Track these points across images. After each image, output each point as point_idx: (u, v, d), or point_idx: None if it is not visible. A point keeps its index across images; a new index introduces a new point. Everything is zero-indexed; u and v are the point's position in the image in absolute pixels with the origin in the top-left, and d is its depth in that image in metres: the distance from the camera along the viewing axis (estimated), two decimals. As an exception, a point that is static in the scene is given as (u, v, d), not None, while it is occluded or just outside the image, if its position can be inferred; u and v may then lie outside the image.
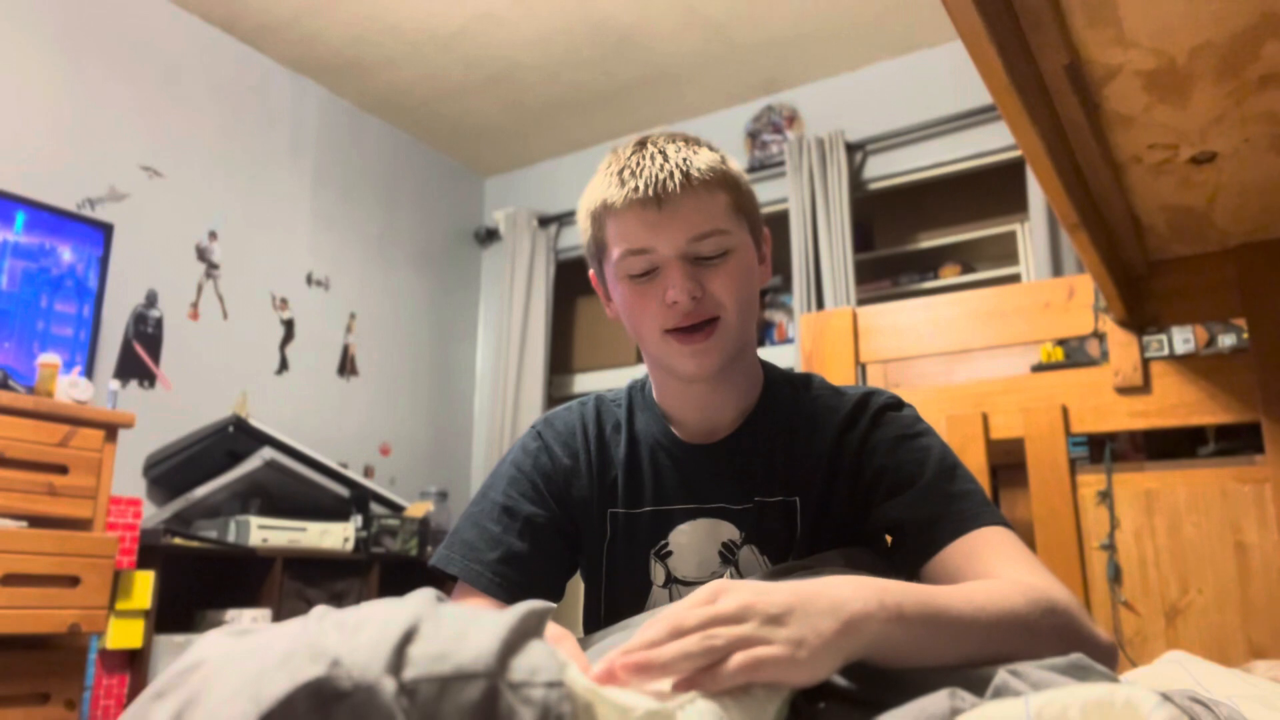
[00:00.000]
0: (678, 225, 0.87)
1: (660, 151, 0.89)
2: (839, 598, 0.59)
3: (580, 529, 0.97)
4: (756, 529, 0.93)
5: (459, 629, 0.46)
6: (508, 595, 0.89)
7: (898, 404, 0.95)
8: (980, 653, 0.63)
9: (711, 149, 0.93)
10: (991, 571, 0.76)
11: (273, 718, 0.40)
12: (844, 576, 0.63)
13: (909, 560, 0.84)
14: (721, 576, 0.92)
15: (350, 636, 0.44)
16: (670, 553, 0.94)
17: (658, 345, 0.91)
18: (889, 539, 0.91)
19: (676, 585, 0.94)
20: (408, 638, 0.44)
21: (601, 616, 0.98)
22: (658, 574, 0.94)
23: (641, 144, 0.92)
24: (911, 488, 0.86)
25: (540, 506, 0.95)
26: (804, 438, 0.94)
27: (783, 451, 0.94)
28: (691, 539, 0.94)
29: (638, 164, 0.89)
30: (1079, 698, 0.48)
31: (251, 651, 0.44)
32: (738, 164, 0.96)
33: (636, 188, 0.87)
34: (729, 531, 0.93)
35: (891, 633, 0.60)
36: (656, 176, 0.87)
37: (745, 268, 0.91)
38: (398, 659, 0.43)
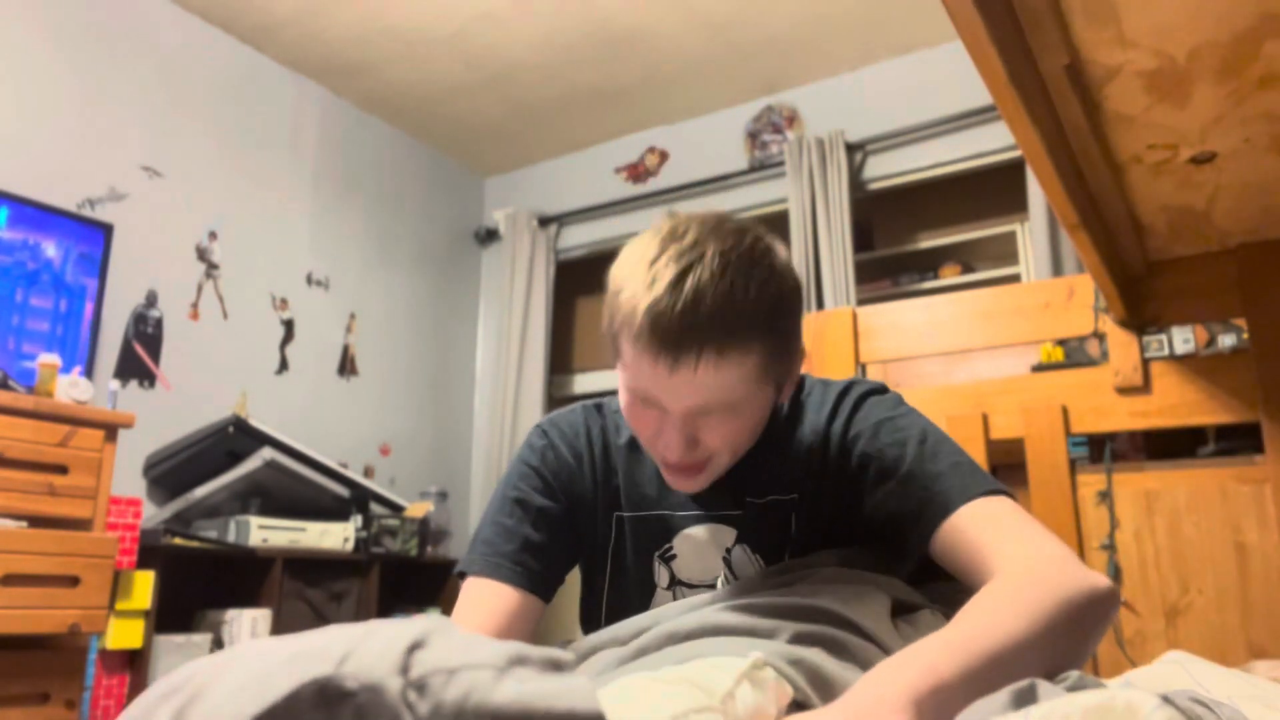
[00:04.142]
0: (686, 391, 0.79)
1: (696, 300, 0.76)
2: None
3: (583, 527, 0.99)
4: (748, 531, 0.94)
5: (469, 642, 0.46)
6: (529, 583, 0.91)
7: (880, 389, 0.96)
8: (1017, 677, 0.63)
9: (767, 281, 0.79)
10: (982, 556, 0.77)
11: (276, 713, 0.40)
12: (870, 684, 0.60)
13: (909, 551, 0.85)
14: (719, 578, 0.93)
15: (359, 643, 0.44)
16: (674, 556, 0.95)
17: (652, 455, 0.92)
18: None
19: (680, 588, 0.94)
20: (416, 645, 0.44)
21: (602, 617, 0.99)
22: (662, 577, 0.95)
23: (684, 274, 0.77)
24: (895, 475, 0.87)
25: (551, 499, 0.97)
26: (798, 437, 0.95)
27: (778, 452, 0.95)
28: (696, 544, 0.94)
29: (667, 309, 0.76)
30: (1079, 705, 0.48)
31: (258, 654, 0.44)
32: (792, 291, 0.83)
33: (655, 340, 0.77)
34: (729, 536, 0.94)
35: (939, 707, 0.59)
36: (679, 335, 0.76)
37: (752, 420, 0.85)
38: (405, 662, 0.42)
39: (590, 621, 1.01)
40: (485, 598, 0.91)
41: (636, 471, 0.98)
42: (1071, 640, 0.69)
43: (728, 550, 0.94)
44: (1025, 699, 0.55)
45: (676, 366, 0.77)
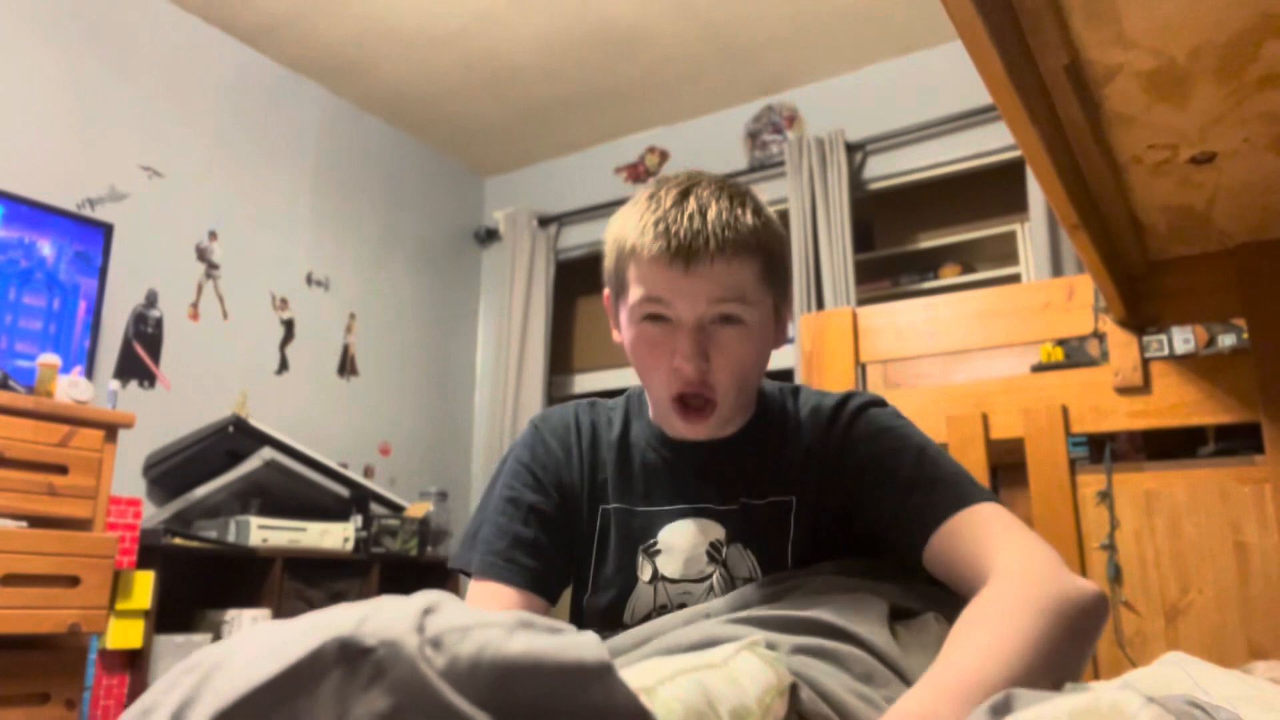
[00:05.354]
0: (700, 289, 0.85)
1: (701, 212, 0.86)
2: None
3: (572, 521, 1.00)
4: (743, 529, 0.94)
5: (477, 610, 0.48)
6: (523, 580, 0.93)
7: (878, 402, 0.98)
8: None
9: (758, 209, 0.90)
10: (974, 561, 0.78)
11: (300, 669, 0.41)
12: None
13: (903, 557, 0.87)
14: (709, 576, 0.94)
15: (373, 610, 0.46)
16: (659, 551, 0.96)
17: (660, 402, 0.93)
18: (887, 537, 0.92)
19: (663, 582, 0.95)
20: (429, 611, 0.46)
21: (583, 611, 1.00)
22: (645, 571, 0.96)
23: (685, 194, 0.88)
24: (895, 481, 0.88)
25: (542, 495, 0.98)
26: (794, 440, 0.96)
27: (774, 454, 0.96)
28: (681, 538, 0.95)
29: (675, 219, 0.85)
30: (1064, 708, 0.48)
31: (276, 628, 0.46)
32: (778, 225, 0.93)
33: (667, 245, 0.85)
34: (716, 531, 0.95)
35: None
36: (691, 237, 0.84)
37: (757, 341, 0.90)
38: (420, 622, 0.45)
39: (575, 618, 1.01)
40: (490, 601, 0.92)
41: (625, 465, 0.99)
42: (1069, 651, 0.70)
43: (715, 547, 0.94)
44: (1001, 710, 0.55)
45: (691, 265, 0.84)
